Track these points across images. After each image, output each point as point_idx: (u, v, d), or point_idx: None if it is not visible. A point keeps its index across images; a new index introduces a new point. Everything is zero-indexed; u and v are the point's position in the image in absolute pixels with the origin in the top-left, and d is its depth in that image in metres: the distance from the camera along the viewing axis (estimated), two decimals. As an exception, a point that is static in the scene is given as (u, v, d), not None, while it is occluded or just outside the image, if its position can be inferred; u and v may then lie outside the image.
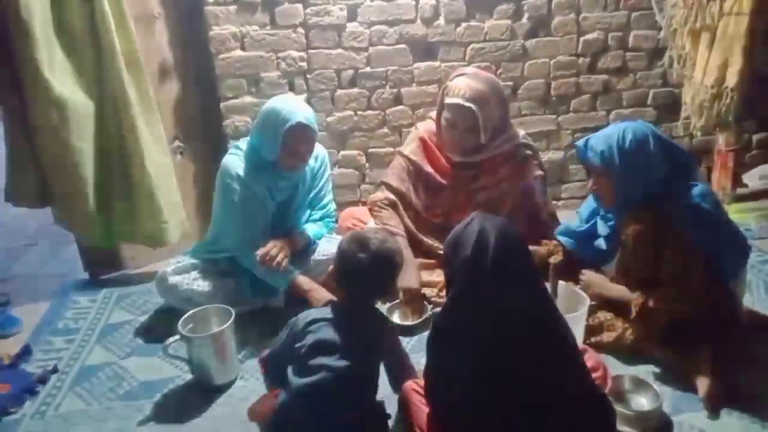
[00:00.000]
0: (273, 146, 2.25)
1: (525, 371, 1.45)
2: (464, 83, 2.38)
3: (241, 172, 2.29)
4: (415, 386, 1.68)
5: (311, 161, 2.43)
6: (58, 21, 2.34)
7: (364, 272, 1.66)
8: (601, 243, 2.23)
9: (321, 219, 2.54)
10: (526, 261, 1.52)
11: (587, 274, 2.17)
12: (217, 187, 2.37)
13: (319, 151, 2.49)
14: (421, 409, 1.62)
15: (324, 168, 2.52)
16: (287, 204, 2.44)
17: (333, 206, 2.59)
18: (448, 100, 2.39)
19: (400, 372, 1.77)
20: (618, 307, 2.10)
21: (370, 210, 2.59)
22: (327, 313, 1.71)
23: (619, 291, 2.08)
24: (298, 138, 2.24)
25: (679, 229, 1.93)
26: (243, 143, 2.39)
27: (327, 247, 2.46)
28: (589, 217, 2.32)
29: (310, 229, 2.48)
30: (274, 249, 2.25)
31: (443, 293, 2.33)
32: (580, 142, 2.09)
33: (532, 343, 1.46)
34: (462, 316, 1.48)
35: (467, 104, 2.33)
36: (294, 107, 2.25)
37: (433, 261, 2.51)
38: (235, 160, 2.33)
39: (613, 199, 2.06)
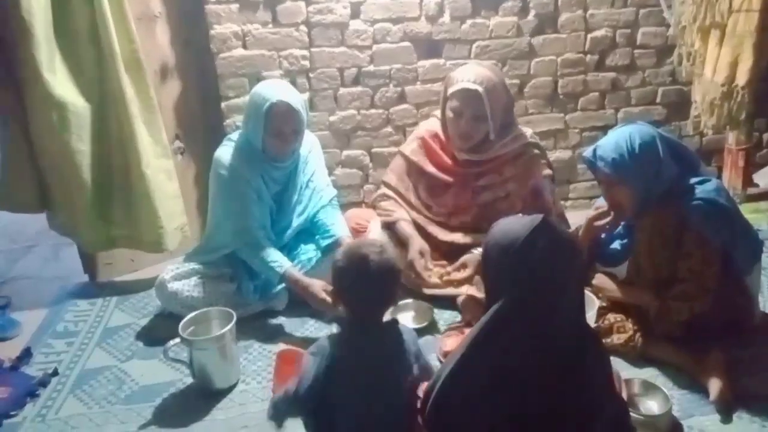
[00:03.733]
0: (257, 129, 2.24)
1: (554, 402, 1.38)
2: (468, 69, 2.36)
3: (233, 161, 2.27)
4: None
5: (302, 150, 2.40)
6: (58, 21, 2.32)
7: (371, 289, 1.57)
8: (615, 244, 2.19)
9: (329, 202, 2.50)
10: (581, 287, 1.44)
11: (599, 278, 2.14)
12: (211, 180, 2.35)
13: (309, 138, 2.46)
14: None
15: (314, 153, 2.49)
16: (283, 195, 2.41)
17: (333, 190, 2.55)
18: (452, 89, 2.34)
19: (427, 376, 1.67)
20: (628, 309, 2.07)
21: (373, 207, 2.56)
22: (345, 341, 1.59)
23: (633, 294, 2.05)
24: (280, 118, 2.21)
25: (696, 223, 1.90)
26: (235, 135, 2.37)
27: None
28: None
29: (342, 228, 2.44)
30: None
31: (455, 274, 2.30)
32: (587, 154, 2.03)
33: (566, 373, 1.38)
34: (501, 333, 1.38)
35: (474, 87, 2.28)
36: (275, 88, 2.25)
37: (440, 262, 2.45)
38: (226, 151, 2.31)
39: (631, 206, 2.00)
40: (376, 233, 2.43)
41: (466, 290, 2.33)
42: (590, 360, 1.43)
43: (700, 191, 1.95)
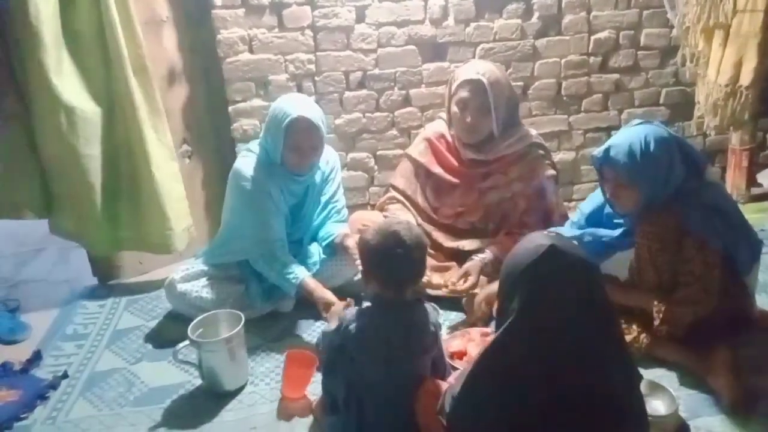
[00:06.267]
0: (277, 143, 2.24)
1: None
2: (471, 63, 2.43)
3: (255, 174, 2.28)
4: (432, 387, 1.65)
5: (322, 165, 2.41)
6: (66, 26, 2.34)
7: (407, 264, 1.67)
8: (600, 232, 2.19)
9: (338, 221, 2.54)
10: (601, 304, 1.41)
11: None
12: (230, 190, 2.36)
13: (330, 155, 2.48)
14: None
15: (335, 172, 2.51)
16: (298, 209, 2.42)
17: (346, 211, 2.58)
18: (456, 82, 2.38)
19: (441, 363, 1.79)
20: (632, 310, 2.06)
21: (381, 210, 2.58)
22: (372, 314, 1.69)
23: (636, 297, 2.04)
24: (300, 133, 2.22)
25: (696, 228, 1.90)
26: (254, 146, 2.38)
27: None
28: (591, 213, 2.28)
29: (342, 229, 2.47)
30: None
31: (460, 284, 2.31)
32: (597, 154, 2.02)
33: (585, 408, 1.37)
34: (510, 357, 1.39)
35: (476, 76, 2.33)
36: (297, 103, 2.25)
37: (444, 264, 2.48)
38: (247, 162, 2.31)
39: (636, 207, 2.00)
40: None
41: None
42: (618, 383, 1.42)
43: (699, 195, 1.95)
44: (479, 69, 2.37)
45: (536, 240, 1.41)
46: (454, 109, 2.41)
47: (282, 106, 2.24)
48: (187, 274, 2.35)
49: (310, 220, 2.48)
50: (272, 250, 2.28)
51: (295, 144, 2.23)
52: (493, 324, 2.09)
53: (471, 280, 2.29)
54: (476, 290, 2.30)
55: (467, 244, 2.47)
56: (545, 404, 1.37)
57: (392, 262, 1.64)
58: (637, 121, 2.07)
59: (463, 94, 2.37)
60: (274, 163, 2.30)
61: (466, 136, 2.43)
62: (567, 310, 1.36)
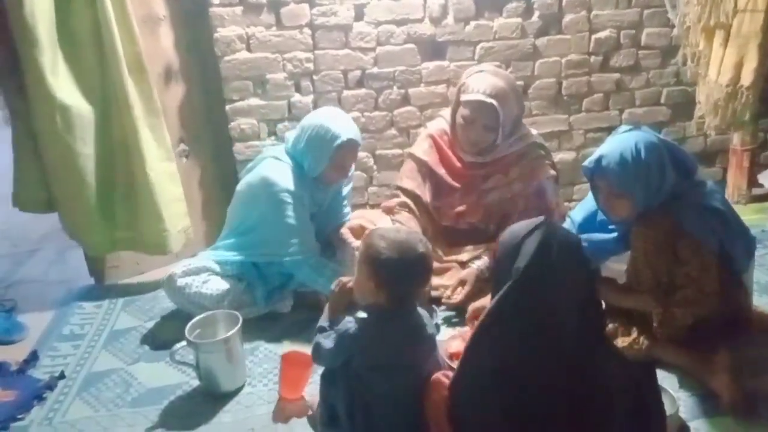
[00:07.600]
0: (320, 161, 2.30)
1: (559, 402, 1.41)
2: (484, 80, 2.35)
3: (292, 186, 2.30)
4: (443, 379, 1.64)
5: None
6: (61, 24, 2.32)
7: (417, 277, 1.68)
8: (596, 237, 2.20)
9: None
10: (589, 285, 1.48)
11: (600, 284, 2.13)
12: (259, 198, 2.32)
13: None
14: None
15: (350, 178, 2.56)
16: (315, 215, 2.45)
17: (350, 215, 2.62)
18: (466, 97, 2.35)
19: (437, 364, 1.77)
20: (631, 312, 2.06)
21: (389, 213, 2.57)
22: (376, 326, 1.66)
23: (635, 299, 2.03)
24: (347, 154, 2.33)
25: (691, 229, 1.89)
26: (278, 153, 2.38)
27: None
28: (583, 222, 2.28)
29: None
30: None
31: (455, 294, 2.32)
32: (588, 164, 2.01)
33: (575, 371, 1.41)
34: (503, 327, 1.43)
35: (489, 100, 2.30)
36: (343, 123, 2.31)
37: (444, 266, 2.48)
38: (281, 172, 2.32)
39: (630, 215, 1.99)
40: None
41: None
42: (600, 360, 1.44)
43: (692, 195, 1.95)
44: (491, 89, 2.31)
45: (530, 221, 1.53)
46: (460, 120, 2.39)
47: (327, 126, 2.27)
48: (189, 269, 2.34)
49: (321, 224, 2.49)
50: (316, 257, 2.35)
51: (341, 163, 2.32)
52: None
53: (465, 290, 2.31)
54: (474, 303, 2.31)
55: (464, 256, 2.48)
56: (539, 378, 1.41)
57: (409, 277, 1.65)
58: (625, 127, 2.05)
59: (472, 113, 2.34)
60: (304, 174, 2.34)
61: (468, 147, 2.43)
62: (558, 279, 1.43)
